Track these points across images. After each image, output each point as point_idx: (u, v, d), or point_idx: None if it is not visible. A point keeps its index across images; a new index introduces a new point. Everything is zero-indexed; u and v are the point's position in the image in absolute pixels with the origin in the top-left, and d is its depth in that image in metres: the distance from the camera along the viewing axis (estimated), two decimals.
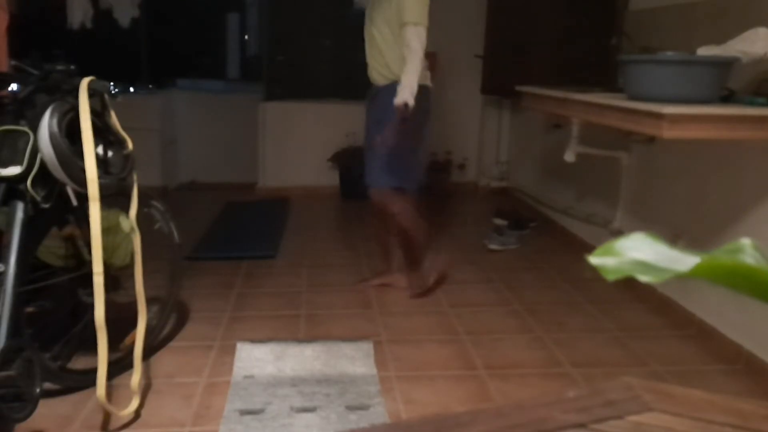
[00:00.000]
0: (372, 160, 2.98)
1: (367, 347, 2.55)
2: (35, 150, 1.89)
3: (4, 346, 1.78)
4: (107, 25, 4.94)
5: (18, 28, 2.60)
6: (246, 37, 6.13)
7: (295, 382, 2.31)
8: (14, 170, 1.88)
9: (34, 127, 1.91)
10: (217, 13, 5.95)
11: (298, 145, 5.32)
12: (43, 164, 1.90)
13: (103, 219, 1.93)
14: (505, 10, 4.71)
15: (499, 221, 4.20)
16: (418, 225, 3.05)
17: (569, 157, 3.23)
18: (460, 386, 2.31)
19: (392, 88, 2.78)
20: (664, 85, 2.25)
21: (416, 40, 2.72)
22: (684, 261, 0.58)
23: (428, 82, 2.94)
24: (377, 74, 2.94)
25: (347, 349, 2.52)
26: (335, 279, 3.38)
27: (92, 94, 1.99)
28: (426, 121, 2.96)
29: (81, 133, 1.91)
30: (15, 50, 2.51)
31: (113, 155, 2.07)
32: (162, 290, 2.61)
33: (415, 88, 2.69)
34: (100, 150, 2.01)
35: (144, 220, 2.30)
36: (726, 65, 2.25)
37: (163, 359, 2.49)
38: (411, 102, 2.68)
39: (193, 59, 6.00)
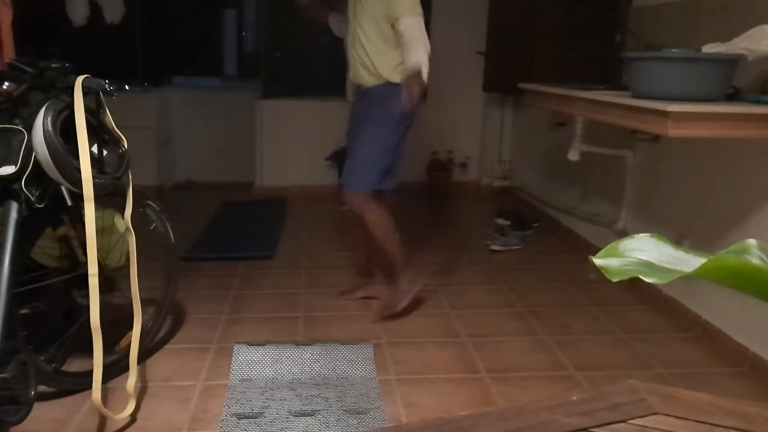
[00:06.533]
0: (352, 160, 2.82)
1: (366, 350, 2.51)
2: (29, 149, 1.87)
3: None
4: (102, 22, 4.89)
5: (20, 24, 2.57)
6: (243, 33, 6.09)
7: (294, 385, 2.28)
8: (8, 170, 1.86)
9: (29, 126, 1.88)
10: (214, 9, 5.91)
11: (296, 143, 5.29)
12: (37, 163, 1.88)
13: (98, 219, 1.90)
14: (508, 6, 4.69)
15: (501, 221, 4.17)
16: (394, 236, 2.83)
17: (573, 155, 3.21)
18: (461, 389, 2.28)
19: (384, 89, 2.70)
20: (669, 82, 2.23)
21: (417, 28, 2.59)
22: (689, 262, 0.56)
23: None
24: (366, 73, 2.77)
25: (347, 351, 2.48)
26: (334, 280, 3.34)
27: (87, 92, 1.97)
28: (415, 117, 2.82)
29: (76, 132, 1.88)
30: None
31: (108, 154, 2.05)
32: (158, 291, 2.58)
33: (427, 63, 2.55)
34: (95, 149, 1.99)
35: (139, 221, 2.27)
36: (731, 63, 2.23)
37: (159, 362, 2.45)
38: (425, 75, 2.54)
39: (189, 56, 5.96)
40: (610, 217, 3.50)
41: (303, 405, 2.14)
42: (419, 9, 2.63)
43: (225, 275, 3.39)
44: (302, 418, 2.05)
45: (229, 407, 2.12)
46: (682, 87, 2.21)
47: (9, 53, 2.42)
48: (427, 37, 2.61)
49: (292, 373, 2.35)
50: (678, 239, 2.81)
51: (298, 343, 2.55)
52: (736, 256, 0.55)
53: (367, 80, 2.78)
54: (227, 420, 2.04)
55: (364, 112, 2.80)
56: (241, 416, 2.07)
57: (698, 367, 2.47)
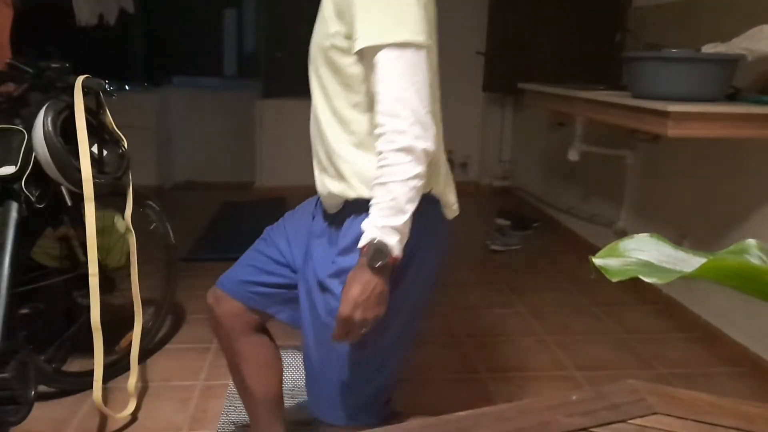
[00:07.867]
0: (325, 362, 1.46)
1: None
2: (29, 149, 1.87)
3: None
4: (101, 22, 4.88)
5: (20, 24, 2.57)
6: (243, 33, 6.08)
7: (294, 393, 2.24)
8: (8, 170, 1.86)
9: (29, 126, 1.88)
10: (214, 8, 5.90)
11: (296, 143, 5.20)
12: (37, 164, 1.88)
13: (98, 219, 1.90)
14: (508, 5, 4.68)
15: (501, 221, 4.16)
16: None
17: (573, 155, 3.21)
18: (461, 389, 2.28)
19: (354, 218, 1.28)
20: (669, 82, 2.23)
21: (404, 80, 1.17)
22: (689, 262, 0.56)
23: (438, 192, 1.36)
24: (329, 180, 1.32)
25: None
26: None
27: (87, 92, 1.96)
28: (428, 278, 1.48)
29: (76, 132, 1.88)
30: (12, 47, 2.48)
31: (108, 154, 2.04)
32: (158, 292, 2.57)
33: (405, 218, 1.15)
34: (95, 149, 1.98)
35: (139, 221, 2.26)
36: (731, 63, 2.23)
37: (160, 362, 2.45)
38: (395, 253, 1.16)
39: (189, 56, 5.94)
40: (609, 217, 3.50)
41: (303, 414, 2.05)
42: (416, 30, 1.23)
43: None
44: (301, 428, 2.00)
45: (228, 414, 2.10)
46: (682, 87, 2.20)
47: (6, 53, 2.41)
48: (425, 108, 1.22)
49: (293, 380, 2.31)
50: (678, 239, 2.80)
51: (299, 348, 2.52)
52: (736, 256, 0.55)
53: (332, 192, 1.31)
54: (225, 428, 2.03)
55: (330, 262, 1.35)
56: (239, 425, 2.04)
57: (699, 367, 2.47)
